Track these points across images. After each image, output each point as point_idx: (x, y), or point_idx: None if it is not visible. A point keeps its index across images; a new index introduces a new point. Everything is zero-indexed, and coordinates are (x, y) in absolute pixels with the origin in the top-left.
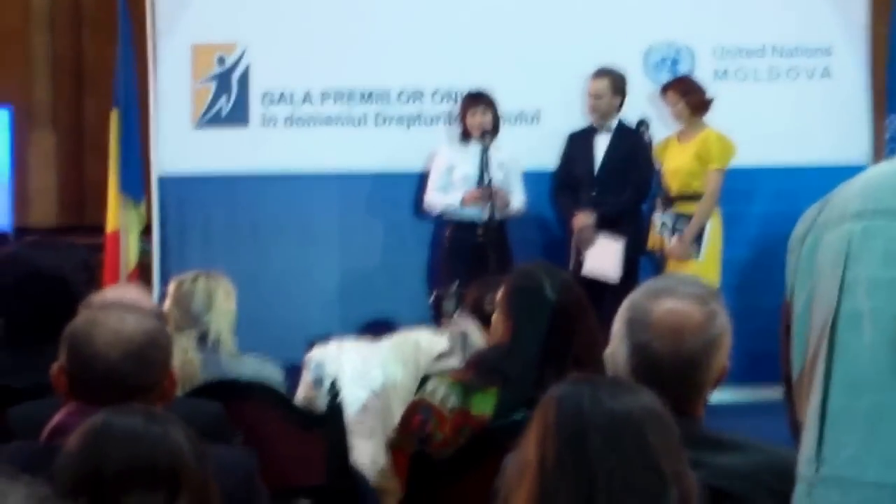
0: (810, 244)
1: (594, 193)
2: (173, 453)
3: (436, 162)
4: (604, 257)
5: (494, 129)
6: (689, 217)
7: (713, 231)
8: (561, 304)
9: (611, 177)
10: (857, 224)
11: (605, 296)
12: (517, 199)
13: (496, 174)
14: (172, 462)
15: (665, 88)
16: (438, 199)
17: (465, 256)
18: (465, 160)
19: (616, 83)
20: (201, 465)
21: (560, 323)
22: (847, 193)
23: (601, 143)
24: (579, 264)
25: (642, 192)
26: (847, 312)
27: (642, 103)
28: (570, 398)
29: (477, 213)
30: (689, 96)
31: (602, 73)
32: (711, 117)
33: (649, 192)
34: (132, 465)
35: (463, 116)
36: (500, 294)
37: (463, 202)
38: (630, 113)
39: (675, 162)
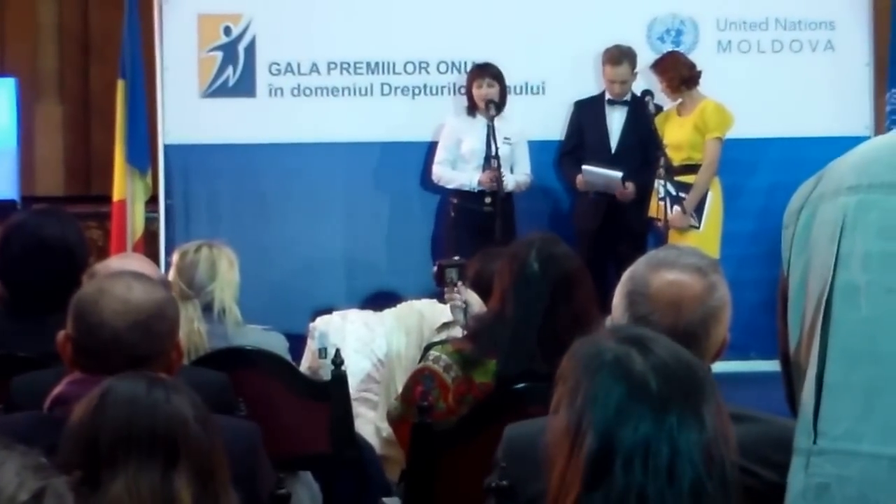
0: (806, 218)
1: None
2: (173, 419)
3: (443, 134)
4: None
5: (501, 102)
6: (690, 187)
7: (713, 201)
8: (546, 277)
9: (628, 150)
10: (853, 197)
11: (610, 264)
12: (523, 174)
13: (503, 148)
14: (171, 428)
15: (651, 67)
16: (450, 174)
17: (472, 227)
18: (471, 133)
19: (634, 62)
20: (206, 433)
21: (547, 295)
22: (842, 167)
23: (615, 115)
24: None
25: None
26: (842, 285)
27: (646, 74)
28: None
29: None
30: (665, 75)
31: (618, 56)
32: (714, 89)
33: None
34: (129, 430)
35: (469, 88)
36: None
37: (480, 183)
38: (634, 85)
39: (676, 135)
